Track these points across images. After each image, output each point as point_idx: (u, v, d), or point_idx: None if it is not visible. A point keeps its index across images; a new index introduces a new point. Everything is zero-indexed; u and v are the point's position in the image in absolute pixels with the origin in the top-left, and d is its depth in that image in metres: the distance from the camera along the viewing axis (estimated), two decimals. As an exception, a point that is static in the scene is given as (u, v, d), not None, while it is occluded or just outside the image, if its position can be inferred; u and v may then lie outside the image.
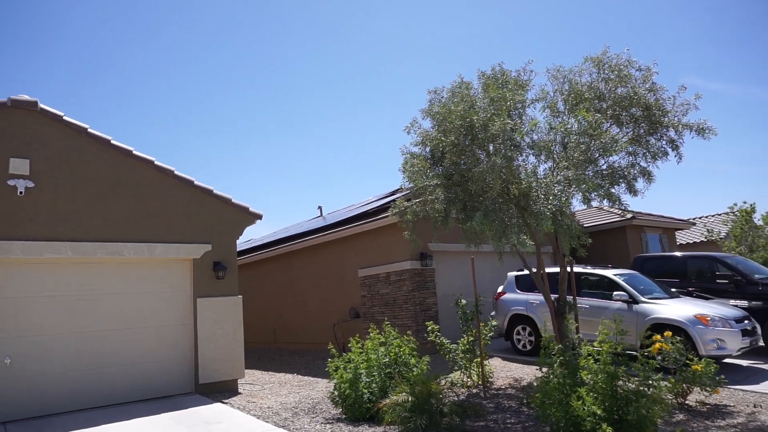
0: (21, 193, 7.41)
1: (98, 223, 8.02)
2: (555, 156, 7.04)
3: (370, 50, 58.86)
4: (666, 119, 6.92)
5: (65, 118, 7.92)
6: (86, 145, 8.10)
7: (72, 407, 7.50)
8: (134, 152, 8.50)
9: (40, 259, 7.57)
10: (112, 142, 8.30)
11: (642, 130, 7.06)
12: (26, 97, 7.61)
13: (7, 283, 7.39)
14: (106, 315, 8.04)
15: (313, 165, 71.90)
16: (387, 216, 10.59)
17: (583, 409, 4.55)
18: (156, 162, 8.68)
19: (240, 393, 8.64)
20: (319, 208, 21.67)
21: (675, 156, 7.02)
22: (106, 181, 8.19)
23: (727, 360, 8.45)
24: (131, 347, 8.17)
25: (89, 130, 8.10)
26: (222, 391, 8.60)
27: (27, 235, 7.40)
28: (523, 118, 7.32)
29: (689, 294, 10.22)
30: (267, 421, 6.51)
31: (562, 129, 6.89)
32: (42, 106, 7.72)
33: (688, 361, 6.29)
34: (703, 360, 6.18)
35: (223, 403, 7.76)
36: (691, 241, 21.86)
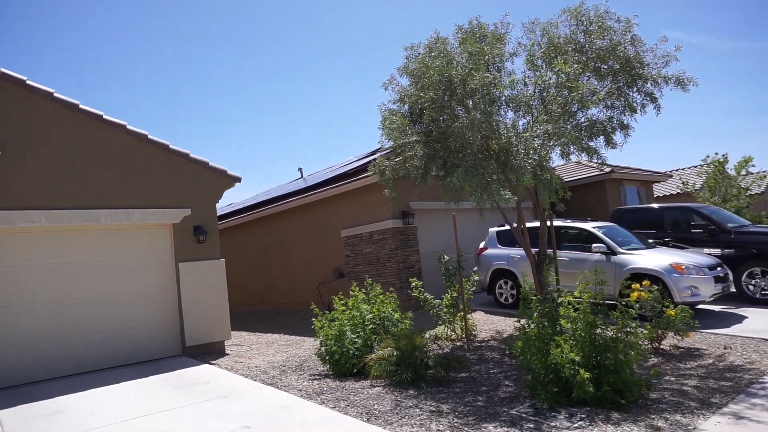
0: (-11, 160, 7.17)
1: (72, 190, 7.84)
2: (534, 110, 7.00)
3: (347, 5, 57.23)
4: (645, 71, 6.90)
5: (29, 82, 7.61)
6: (54, 110, 7.83)
7: (58, 374, 7.51)
8: (104, 116, 8.24)
9: (15, 229, 7.41)
10: (81, 106, 8.02)
11: (621, 83, 7.04)
12: (13, 74, 7.28)
13: (-18, 253, 7.24)
14: (86, 282, 7.97)
15: (292, 127, 70.81)
16: (367, 175, 10.53)
17: (562, 357, 4.69)
18: (128, 126, 8.44)
19: (227, 354, 8.73)
20: (300, 170, 21.48)
21: (654, 108, 7.04)
22: (78, 148, 7.96)
23: (700, 306, 8.75)
24: (115, 313, 8.15)
25: (55, 94, 7.81)
26: (209, 352, 8.67)
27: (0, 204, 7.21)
28: (502, 72, 7.24)
29: (665, 244, 10.47)
30: (255, 380, 6.61)
31: (540, 82, 6.83)
32: (2, 70, 7.39)
33: (664, 308, 6.50)
34: (677, 306, 6.39)
35: (211, 364, 7.84)
36: (668, 193, 22.27)
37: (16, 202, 7.35)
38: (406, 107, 7.40)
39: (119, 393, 6.37)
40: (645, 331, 5.93)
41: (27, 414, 5.70)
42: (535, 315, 5.32)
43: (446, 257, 8.14)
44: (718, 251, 9.84)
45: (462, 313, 7.88)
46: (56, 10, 48.28)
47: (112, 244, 8.33)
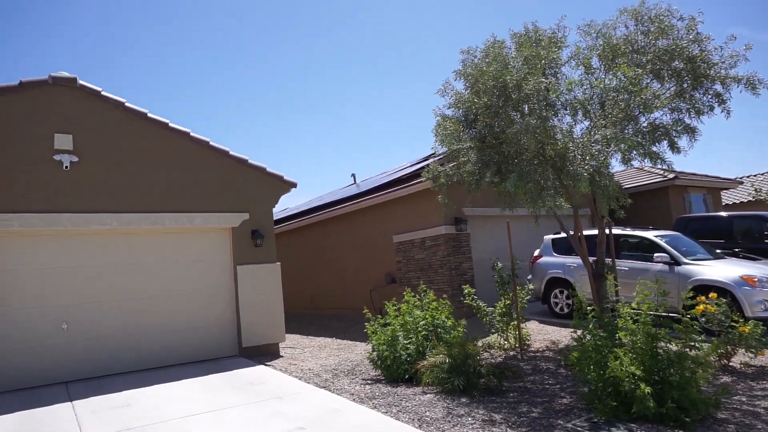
0: (66, 167, 7.69)
1: (140, 195, 8.27)
2: (592, 115, 6.81)
3: (402, 16, 57.58)
4: (712, 72, 6.56)
5: (103, 93, 8.11)
6: (124, 119, 8.31)
7: (123, 369, 7.93)
8: (170, 124, 8.67)
9: (88, 231, 7.90)
10: (149, 115, 8.47)
11: (686, 85, 6.72)
12: (66, 74, 7.81)
13: (59, 253, 7.77)
14: (150, 283, 8.38)
15: (346, 133, 71.84)
16: (420, 181, 10.54)
17: (621, 370, 4.52)
18: (192, 134, 8.84)
19: (281, 356, 8.93)
20: (353, 175, 21.72)
21: (722, 111, 6.67)
22: (145, 154, 8.41)
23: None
24: (177, 313, 8.52)
25: (126, 104, 8.28)
26: (264, 354, 8.91)
27: (74, 207, 7.71)
28: (558, 76, 7.09)
29: (735, 255, 9.90)
30: (308, 382, 6.73)
31: (600, 86, 6.64)
32: (81, 82, 7.92)
33: (733, 323, 6.14)
34: (749, 321, 6.02)
35: (266, 365, 8.05)
36: (738, 201, 21.00)
37: (91, 206, 7.84)
38: (461, 112, 7.36)
39: (181, 389, 6.65)
40: (712, 347, 5.63)
41: (97, 406, 6.04)
42: (591, 326, 5.15)
43: (500, 264, 8.02)
44: (794, 263, 9.20)
45: (516, 322, 7.73)
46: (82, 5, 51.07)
47: (175, 246, 8.72)
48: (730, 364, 6.23)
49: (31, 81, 7.60)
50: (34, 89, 7.63)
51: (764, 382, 5.61)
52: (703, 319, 6.37)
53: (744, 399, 5.07)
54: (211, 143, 9.02)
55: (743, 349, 6.03)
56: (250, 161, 9.38)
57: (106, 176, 8.04)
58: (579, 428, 4.48)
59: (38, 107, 7.63)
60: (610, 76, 6.71)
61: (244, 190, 9.29)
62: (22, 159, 7.42)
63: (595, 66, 7.10)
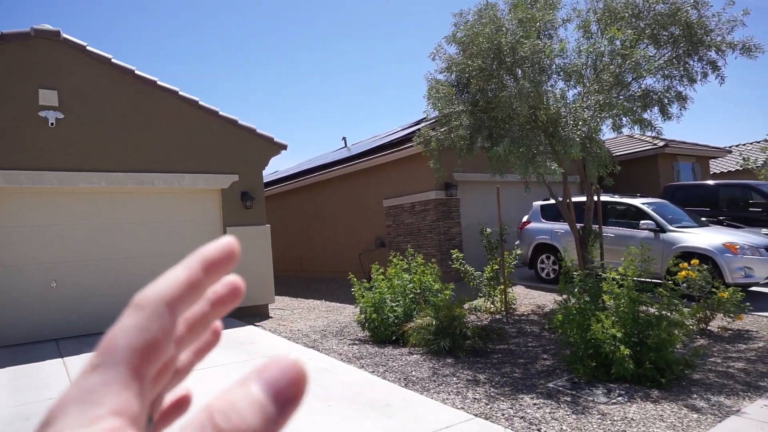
0: (52, 124, 7.54)
1: (128, 153, 8.17)
2: (585, 80, 6.77)
3: (394, -28, 55.94)
4: (709, 38, 6.51)
5: (88, 48, 7.89)
6: (111, 75, 8.11)
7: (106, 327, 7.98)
8: (159, 82, 8.49)
9: (75, 189, 7.82)
10: (137, 72, 8.28)
11: (681, 51, 6.68)
12: (48, 27, 7.57)
13: (45, 212, 7.71)
14: (139, 243, 8.37)
15: (338, 97, 70.79)
16: (411, 146, 10.48)
17: (603, 332, 4.65)
18: (180, 92, 8.67)
19: (271, 317, 9.05)
20: (344, 139, 21.54)
21: (716, 78, 6.66)
22: (133, 113, 8.25)
23: (754, 288, 8.41)
24: (165, 272, 8.54)
25: (113, 60, 8.08)
26: (254, 315, 9.01)
27: (61, 165, 7.61)
28: (554, 39, 7.00)
29: (720, 223, 10.05)
30: (297, 342, 6.85)
31: (593, 50, 6.57)
32: (65, 35, 7.69)
33: (713, 289, 6.29)
34: (729, 288, 6.17)
35: (255, 325, 8.15)
36: (726, 170, 21.18)
37: (78, 164, 7.74)
38: (453, 76, 7.28)
39: (171, 348, 6.73)
40: (690, 311, 5.78)
41: (88, 363, 6.12)
42: (576, 290, 5.26)
43: (488, 230, 8.09)
44: (777, 232, 9.38)
45: (502, 286, 7.86)
46: (111, -23, 49.35)
47: (164, 207, 8.68)
48: (708, 328, 6.41)
49: (13, 33, 7.36)
50: (15, 42, 7.40)
51: (739, 344, 5.80)
52: (685, 285, 6.51)
53: (719, 360, 5.24)
54: (200, 103, 8.86)
55: (722, 314, 6.20)
56: (240, 122, 9.25)
57: (93, 134, 7.90)
58: (560, 387, 4.63)
59: (21, 61, 7.43)
60: (605, 41, 6.65)
61: (234, 151, 9.19)
62: (6, 115, 7.26)
63: (592, 30, 7.01)
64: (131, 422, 0.25)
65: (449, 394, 4.57)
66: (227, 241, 0.33)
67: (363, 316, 6.92)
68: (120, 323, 0.29)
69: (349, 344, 6.64)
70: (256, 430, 0.24)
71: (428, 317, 6.23)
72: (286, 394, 0.26)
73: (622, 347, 4.47)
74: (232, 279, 0.36)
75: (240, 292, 0.36)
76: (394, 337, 6.57)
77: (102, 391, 0.26)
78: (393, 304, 6.77)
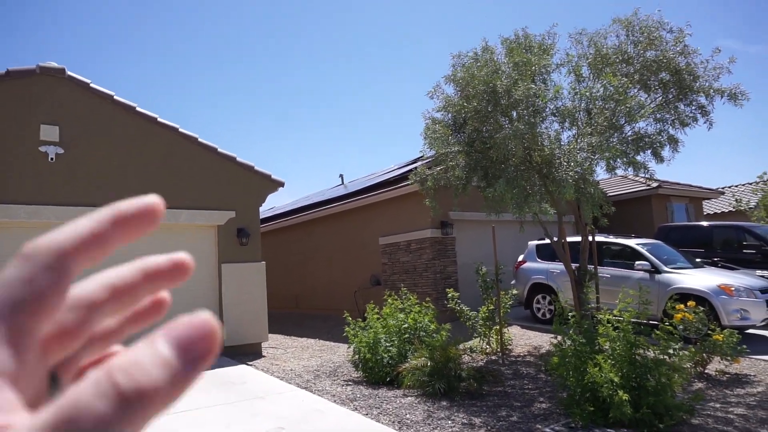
0: (52, 159, 7.60)
1: (126, 189, 8.20)
2: (579, 122, 6.91)
3: (392, 17, 57.67)
4: (697, 84, 6.70)
5: (92, 85, 8.04)
6: (112, 112, 8.23)
7: None
8: (159, 119, 8.61)
9: (71, 225, 7.81)
10: (138, 109, 8.41)
11: (671, 96, 6.86)
12: (54, 64, 7.73)
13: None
14: (134, 279, 8.30)
15: (335, 134, 71.77)
16: (408, 184, 10.57)
17: (600, 376, 4.59)
18: (180, 129, 8.78)
19: (264, 356, 8.90)
20: (341, 176, 21.73)
21: (705, 122, 6.82)
22: (133, 148, 8.34)
23: (751, 331, 8.37)
24: (159, 310, 8.44)
25: (115, 97, 8.21)
26: (246, 353, 8.87)
27: (59, 200, 7.62)
28: (548, 83, 7.18)
29: (714, 264, 10.08)
30: (290, 383, 6.72)
31: (587, 94, 6.74)
32: (69, 73, 7.84)
33: (710, 332, 6.25)
34: (725, 330, 6.14)
35: (248, 365, 8.02)
36: (719, 211, 21.36)
37: (76, 199, 7.76)
38: (450, 116, 7.42)
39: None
40: (688, 353, 5.74)
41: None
42: (571, 332, 5.23)
43: (484, 269, 8.08)
44: (772, 274, 9.39)
45: (498, 327, 7.79)
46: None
47: (159, 242, 8.65)
48: (706, 371, 6.35)
49: (19, 70, 7.50)
50: (21, 79, 7.53)
51: (738, 389, 5.73)
52: (681, 327, 6.48)
53: (718, 405, 5.17)
54: (199, 139, 8.97)
55: (719, 357, 6.14)
56: (238, 159, 9.34)
57: (92, 169, 7.96)
58: (557, 432, 4.54)
59: (25, 97, 7.54)
60: (598, 85, 6.82)
61: (231, 188, 9.25)
62: (7, 149, 7.32)
63: (585, 74, 7.21)
64: (5, 381, 0.23)
65: (444, 439, 4.47)
66: (149, 198, 0.30)
67: (357, 356, 6.82)
68: (1, 273, 0.26)
69: (343, 385, 6.53)
70: (161, 386, 0.23)
71: (423, 358, 6.15)
72: (195, 351, 0.25)
73: (620, 392, 4.41)
74: (180, 254, 0.33)
75: (184, 269, 0.32)
76: (388, 378, 6.47)
77: None
78: (387, 344, 6.69)
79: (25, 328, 0.25)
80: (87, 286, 0.30)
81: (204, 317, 0.26)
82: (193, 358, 0.24)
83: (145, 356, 0.23)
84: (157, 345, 0.24)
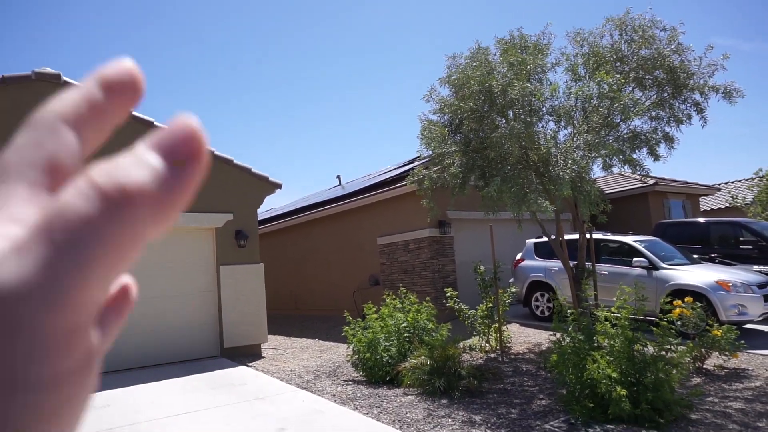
0: (48, 164, 7.59)
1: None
2: (575, 121, 6.94)
3: (389, 19, 57.74)
4: (691, 82, 6.75)
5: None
6: (108, 116, 8.22)
7: (103, 369, 7.83)
8: (155, 123, 8.60)
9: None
10: (133, 113, 8.40)
11: (666, 94, 6.90)
12: (49, 70, 7.72)
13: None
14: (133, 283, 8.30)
15: (331, 135, 71.75)
16: (405, 184, 10.60)
17: (599, 372, 4.62)
18: (176, 132, 8.78)
19: (263, 357, 8.91)
20: (338, 177, 21.72)
21: (700, 120, 6.87)
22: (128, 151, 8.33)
23: (748, 326, 8.41)
24: (158, 313, 8.45)
25: (110, 101, 8.20)
26: (246, 355, 8.88)
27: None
28: (543, 82, 7.21)
29: (712, 260, 10.12)
30: (290, 383, 6.74)
31: (582, 93, 6.77)
32: (65, 78, 7.84)
33: (708, 327, 6.29)
34: (723, 325, 6.18)
35: (248, 366, 8.02)
36: (716, 207, 21.45)
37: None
38: (446, 117, 7.45)
39: (162, 390, 6.61)
40: (686, 349, 5.77)
41: (75, 406, 5.98)
42: (570, 329, 5.25)
43: (482, 268, 8.10)
44: (768, 269, 9.45)
45: (497, 325, 7.81)
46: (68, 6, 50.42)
47: (157, 246, 8.65)
48: (704, 366, 6.38)
49: (14, 76, 7.50)
50: (16, 85, 7.53)
51: (736, 383, 5.76)
52: (679, 323, 6.51)
53: (716, 400, 5.20)
54: (195, 142, 8.97)
55: (717, 352, 6.18)
56: (235, 161, 9.35)
57: (89, 174, 7.95)
58: (556, 429, 4.57)
59: (21, 104, 7.53)
60: (593, 84, 6.86)
61: (229, 190, 9.25)
62: (2, 155, 7.31)
63: (580, 73, 7.24)
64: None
65: (445, 437, 4.49)
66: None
67: (356, 356, 6.84)
68: (11, 144, 0.25)
69: (343, 385, 6.54)
70: (146, 188, 0.22)
71: (422, 357, 6.17)
72: (180, 152, 0.24)
73: (618, 388, 4.44)
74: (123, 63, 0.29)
75: (138, 81, 0.29)
76: (388, 378, 6.48)
77: (1, 202, 0.23)
78: (387, 344, 6.71)
79: (45, 185, 0.24)
80: (56, 105, 0.28)
81: (185, 119, 0.25)
82: (178, 160, 0.24)
83: (126, 160, 0.23)
84: (137, 150, 0.23)
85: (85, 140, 0.27)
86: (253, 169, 9.54)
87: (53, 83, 7.77)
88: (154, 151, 0.23)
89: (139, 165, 0.23)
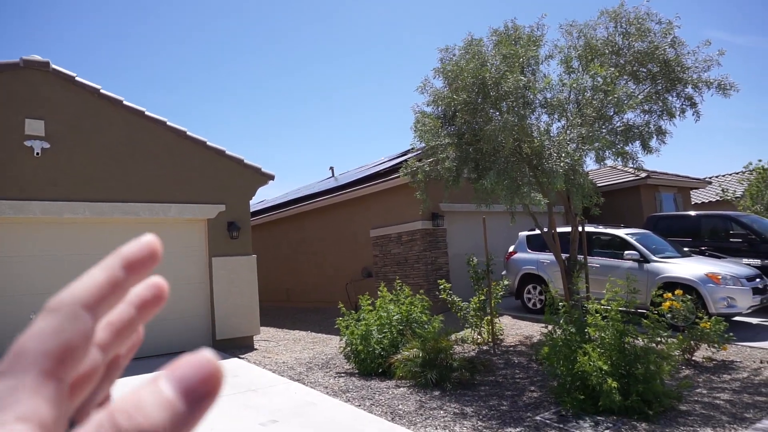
0: (38, 154, 7.50)
1: (114, 184, 8.13)
2: (568, 114, 6.94)
3: (384, 12, 57.37)
4: (685, 75, 6.75)
5: (77, 78, 7.93)
6: (99, 106, 8.14)
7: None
8: (146, 113, 8.52)
9: (59, 219, 7.74)
10: (125, 102, 8.31)
11: (660, 87, 6.91)
12: (38, 58, 7.61)
13: (29, 242, 7.60)
14: (124, 274, 8.25)
15: (325, 126, 71.45)
16: (398, 176, 10.58)
17: (590, 365, 4.65)
18: (169, 123, 8.70)
19: (256, 349, 8.91)
20: (331, 168, 21.67)
21: (693, 114, 6.89)
22: (120, 143, 8.25)
23: (737, 318, 8.50)
24: (150, 305, 8.40)
25: (101, 90, 8.11)
26: (238, 347, 8.87)
27: (45, 195, 7.54)
28: (537, 75, 7.19)
29: (702, 253, 10.20)
30: (282, 375, 6.74)
31: (576, 85, 6.76)
32: (54, 66, 7.73)
33: (697, 320, 6.35)
34: (712, 318, 6.24)
35: (240, 358, 8.02)
36: (707, 201, 21.60)
37: (63, 193, 7.67)
38: (440, 109, 7.42)
39: (152, 382, 6.58)
40: (676, 341, 5.83)
41: (66, 398, 5.95)
42: (562, 321, 5.28)
43: (475, 260, 8.12)
44: (758, 262, 9.53)
45: (489, 317, 7.85)
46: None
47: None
48: (693, 358, 6.44)
49: (2, 63, 7.39)
50: (4, 72, 7.42)
51: (725, 375, 5.83)
52: (670, 315, 6.57)
53: (705, 391, 5.26)
54: (188, 133, 8.89)
55: (706, 344, 6.24)
56: (227, 152, 9.28)
57: (79, 164, 7.87)
58: (547, 421, 4.60)
59: (9, 91, 7.43)
60: (587, 77, 6.85)
61: (221, 181, 9.19)
62: (-9, 145, 7.22)
63: (574, 66, 7.23)
64: (40, 428, 0.23)
65: (436, 428, 4.51)
66: (149, 240, 0.31)
67: (349, 348, 6.85)
68: (31, 328, 0.26)
69: (335, 377, 6.55)
70: (162, 428, 0.23)
71: (415, 349, 6.19)
72: (198, 392, 0.25)
73: (609, 380, 4.47)
74: (155, 280, 0.34)
75: (164, 294, 0.34)
76: (380, 370, 6.50)
77: (8, 398, 0.24)
78: (379, 336, 6.72)
79: (57, 375, 0.25)
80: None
81: (207, 356, 0.26)
82: (196, 399, 0.25)
83: (147, 398, 0.24)
84: (159, 386, 0.25)
85: (101, 315, 0.29)
86: (245, 160, 9.48)
87: (42, 71, 7.66)
88: (175, 388, 0.25)
89: (159, 405, 0.24)
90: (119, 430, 0.22)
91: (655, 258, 8.83)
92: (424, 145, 7.65)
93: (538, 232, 9.38)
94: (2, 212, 7.22)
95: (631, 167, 7.17)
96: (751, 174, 17.76)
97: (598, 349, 4.83)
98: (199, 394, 0.25)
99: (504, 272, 10.77)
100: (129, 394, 0.24)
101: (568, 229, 8.12)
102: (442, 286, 8.21)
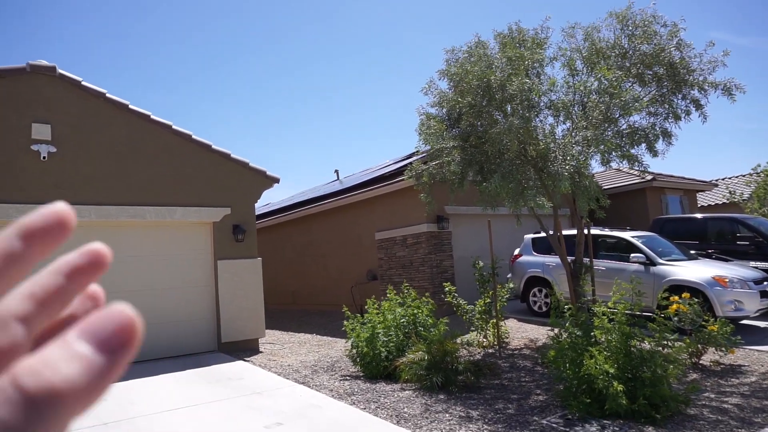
0: (44, 158, 7.56)
1: (120, 187, 8.17)
2: (573, 116, 6.92)
3: (387, 13, 57.46)
4: (691, 78, 6.72)
5: (84, 83, 7.98)
6: (105, 110, 8.19)
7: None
8: (152, 117, 8.56)
9: (66, 223, 7.77)
10: (130, 106, 8.36)
11: (665, 89, 6.88)
12: (45, 63, 7.67)
13: (35, 245, 7.63)
14: (131, 277, 8.29)
15: (329, 129, 71.56)
16: (403, 179, 10.58)
17: (596, 368, 4.63)
18: (174, 126, 8.74)
19: (261, 352, 8.91)
20: (336, 171, 21.65)
21: (699, 116, 6.85)
22: (126, 146, 8.30)
23: (744, 321, 8.44)
24: (156, 308, 8.44)
25: (107, 95, 8.16)
26: (243, 349, 8.88)
27: (51, 198, 7.48)
28: (542, 77, 7.18)
29: (709, 256, 10.14)
30: (287, 378, 6.74)
31: (581, 88, 6.74)
32: (60, 71, 7.78)
33: (704, 323, 6.30)
34: (718, 321, 6.19)
35: (245, 361, 8.02)
36: (713, 203, 21.48)
37: (69, 197, 7.72)
38: (444, 111, 7.42)
39: (159, 384, 6.60)
40: (683, 345, 5.78)
41: (72, 400, 5.97)
42: (567, 324, 5.26)
43: (481, 263, 8.10)
44: (765, 265, 9.46)
45: (495, 320, 7.82)
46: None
47: (155, 240, 8.63)
48: (701, 362, 6.40)
49: (9, 68, 7.45)
50: (11, 77, 7.48)
51: (733, 379, 5.78)
52: (676, 319, 6.53)
53: (713, 396, 5.22)
54: (193, 136, 8.93)
55: (713, 348, 6.20)
56: (232, 156, 9.32)
57: (85, 167, 7.92)
58: (554, 424, 4.57)
59: (16, 96, 7.49)
60: (592, 79, 6.83)
61: (226, 184, 9.22)
62: (-2, 148, 7.27)
63: (579, 68, 7.21)
64: None
65: (442, 432, 4.50)
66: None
67: (354, 351, 6.84)
68: None
69: (341, 380, 6.55)
70: (76, 382, 0.22)
71: (420, 352, 6.18)
72: (112, 343, 0.23)
73: (615, 383, 4.44)
74: (92, 246, 0.30)
75: (101, 260, 0.30)
76: (386, 373, 6.49)
77: None
78: (385, 339, 6.71)
79: None
80: (9, 303, 0.26)
81: (120, 307, 0.25)
82: (110, 350, 0.23)
83: (57, 353, 0.22)
84: (68, 340, 0.23)
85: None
86: (250, 164, 9.50)
87: (48, 76, 7.72)
88: (86, 340, 0.23)
89: (69, 358, 0.22)
90: (22, 389, 0.21)
91: (661, 261, 8.78)
92: (429, 147, 7.65)
93: (543, 234, 9.36)
94: (9, 215, 7.26)
95: (636, 170, 7.13)
96: (759, 176, 17.64)
97: (605, 352, 4.80)
98: (113, 346, 0.24)
99: (509, 275, 10.74)
100: (37, 354, 0.22)
101: (574, 231, 8.09)
102: (447, 289, 8.19)
